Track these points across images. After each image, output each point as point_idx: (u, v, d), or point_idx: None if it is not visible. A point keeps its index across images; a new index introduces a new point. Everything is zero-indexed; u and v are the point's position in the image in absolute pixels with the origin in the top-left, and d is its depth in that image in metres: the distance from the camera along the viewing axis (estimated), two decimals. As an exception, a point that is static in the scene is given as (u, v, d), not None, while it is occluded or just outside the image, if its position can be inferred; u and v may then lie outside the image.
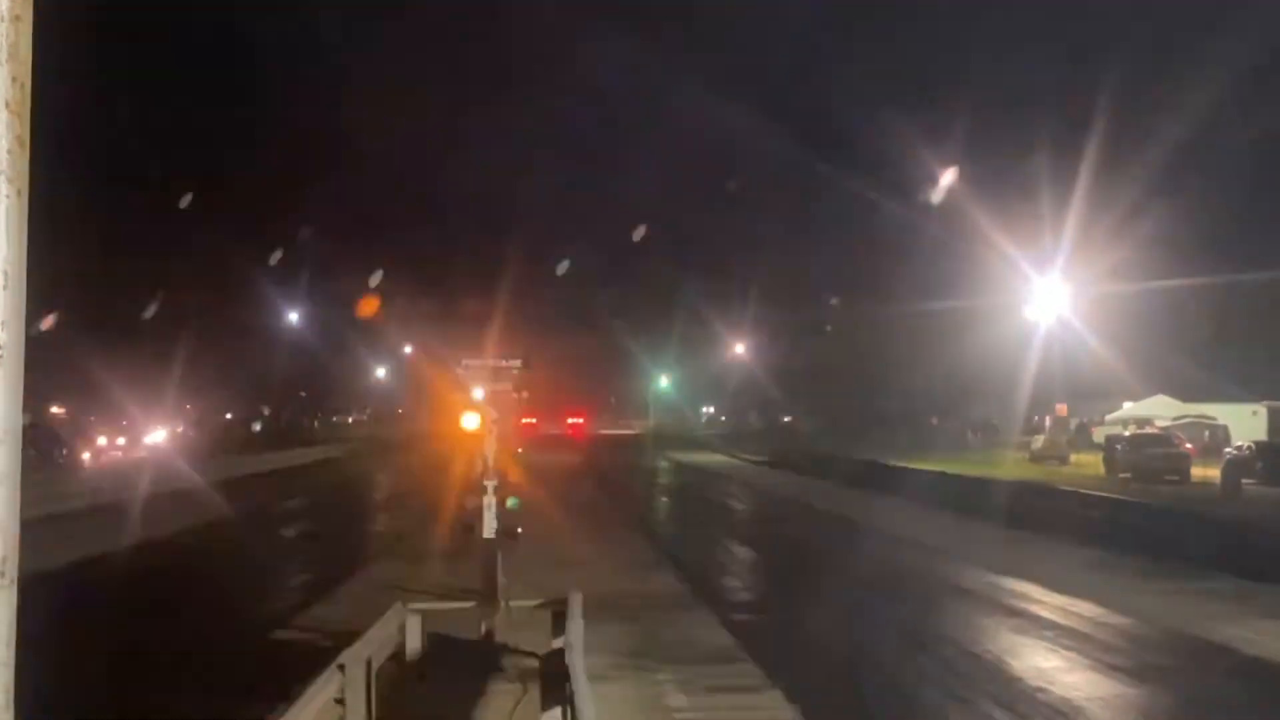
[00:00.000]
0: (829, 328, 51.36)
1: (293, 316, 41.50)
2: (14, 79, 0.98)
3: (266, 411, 47.66)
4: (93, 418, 35.58)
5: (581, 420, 61.13)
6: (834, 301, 50.10)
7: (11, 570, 1.06)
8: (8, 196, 0.99)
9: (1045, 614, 10.89)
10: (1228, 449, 26.38)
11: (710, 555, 15.91)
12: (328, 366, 49.21)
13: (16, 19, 0.98)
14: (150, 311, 30.06)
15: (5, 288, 0.99)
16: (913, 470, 29.53)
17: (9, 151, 0.98)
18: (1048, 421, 36.89)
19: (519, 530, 9.22)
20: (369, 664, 6.20)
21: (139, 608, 10.67)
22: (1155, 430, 30.33)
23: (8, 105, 0.98)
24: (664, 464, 40.48)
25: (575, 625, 7.20)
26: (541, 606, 8.65)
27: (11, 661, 1.06)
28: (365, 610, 8.35)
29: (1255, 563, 12.79)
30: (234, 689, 7.49)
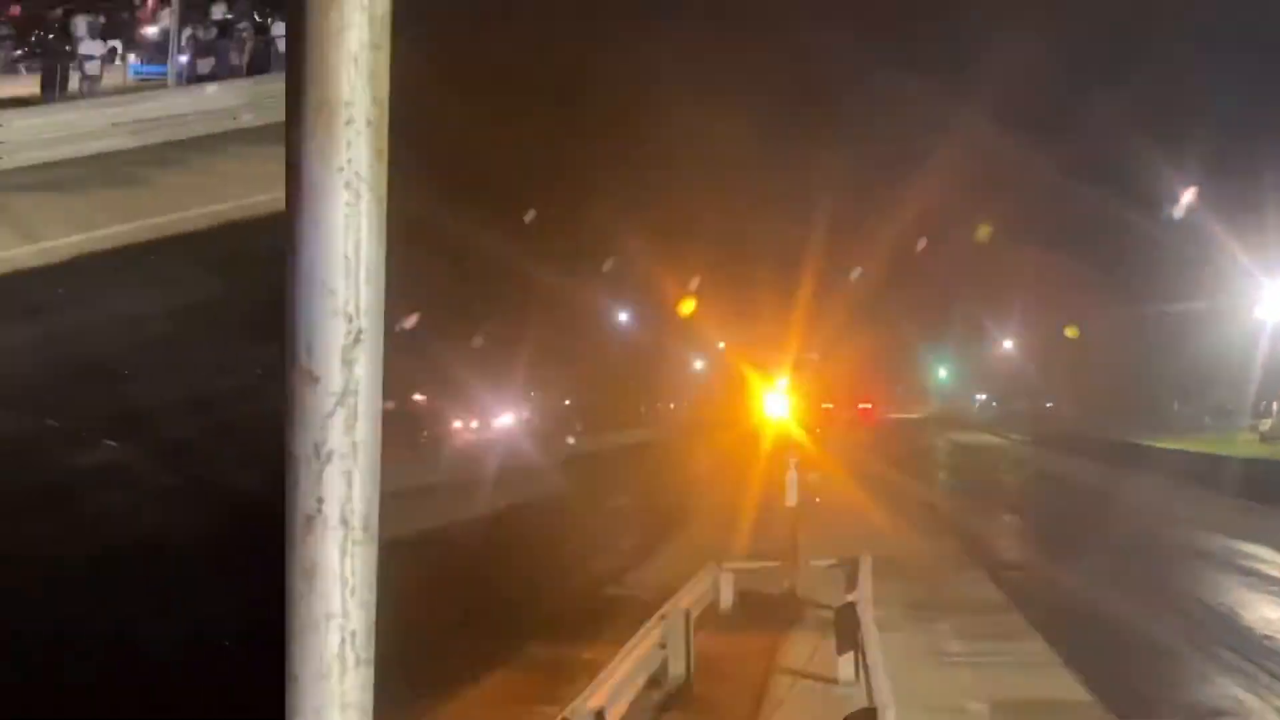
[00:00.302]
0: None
1: (622, 316, 45.33)
2: (374, 98, 1.09)
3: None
4: (450, 403, 38.68)
5: (870, 406, 63.25)
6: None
7: (373, 528, 1.06)
8: (368, 202, 1.08)
9: (1274, 573, 11.32)
10: None
11: (981, 521, 16.84)
12: (652, 359, 52.89)
13: (377, 48, 1.09)
14: (497, 312, 33.50)
15: (367, 282, 1.07)
16: (1157, 449, 30.97)
17: (369, 164, 1.08)
18: (1275, 406, 37.92)
19: (817, 500, 10.20)
20: (687, 614, 6.84)
21: (492, 566, 11.46)
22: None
23: (369, 122, 1.08)
24: (941, 443, 42.23)
25: (865, 581, 7.99)
26: (836, 565, 9.43)
27: (373, 612, 1.07)
28: (684, 569, 9.17)
29: None
30: (572, 635, 8.39)
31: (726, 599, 9.19)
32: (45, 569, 3.83)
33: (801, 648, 8.08)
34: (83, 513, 4.29)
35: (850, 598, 7.62)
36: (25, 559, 3.84)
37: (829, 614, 8.15)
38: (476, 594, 9.76)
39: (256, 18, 21.36)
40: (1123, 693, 7.13)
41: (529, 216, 28.56)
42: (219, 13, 22.43)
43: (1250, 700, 7.15)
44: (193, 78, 18.70)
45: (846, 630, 6.86)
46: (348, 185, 1.07)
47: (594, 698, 5.02)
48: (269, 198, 10.59)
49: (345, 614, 1.04)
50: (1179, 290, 41.18)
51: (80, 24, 22.55)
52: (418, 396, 36.72)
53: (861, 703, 5.25)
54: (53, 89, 17.43)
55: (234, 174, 11.84)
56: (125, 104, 14.33)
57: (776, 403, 10.71)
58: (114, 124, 13.63)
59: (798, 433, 10.23)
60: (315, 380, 1.03)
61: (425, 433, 31.90)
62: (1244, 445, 32.86)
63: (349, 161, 1.07)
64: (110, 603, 3.71)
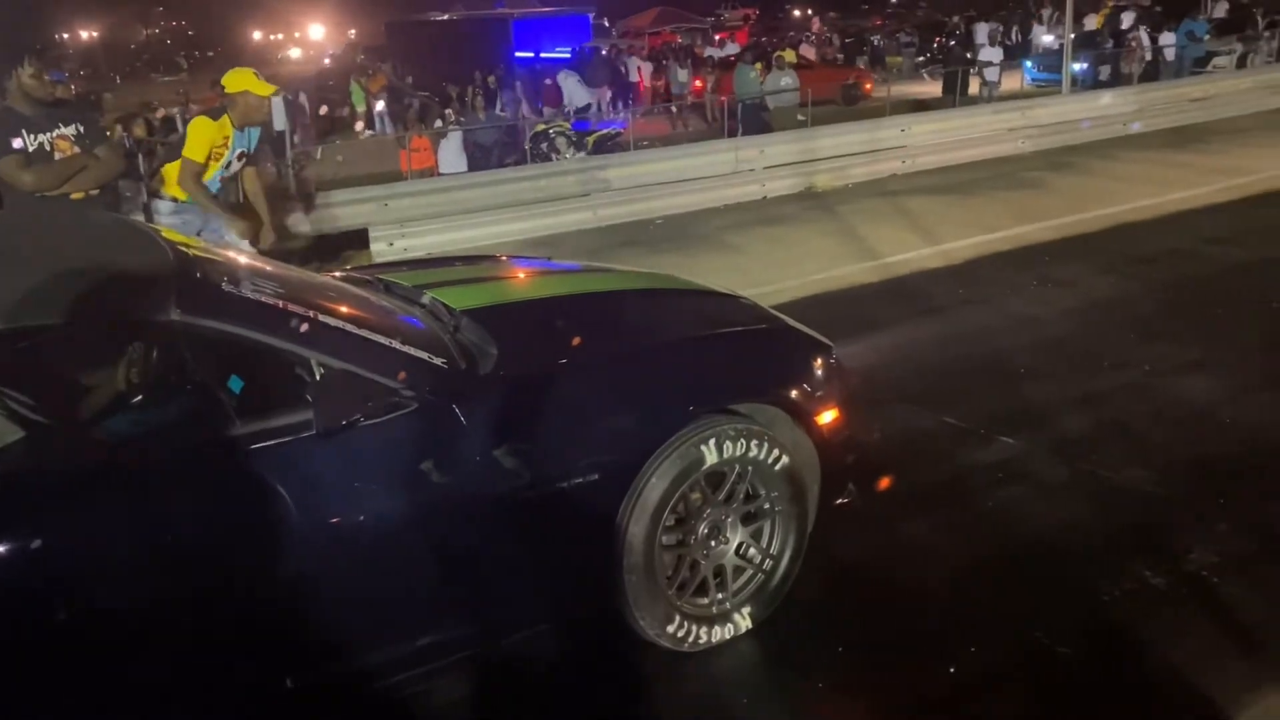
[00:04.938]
0: None
1: None
2: None
3: None
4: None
5: None
6: None
7: None
8: None
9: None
10: None
11: None
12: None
13: None
14: None
15: None
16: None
17: None
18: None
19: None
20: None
21: None
22: None
23: None
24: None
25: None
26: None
27: None
28: None
29: None
30: None
31: None
32: (957, 562, 3.90)
33: None
34: (981, 506, 4.41)
35: None
36: (938, 554, 3.98)
37: None
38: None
39: (1148, 29, 21.19)
40: None
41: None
42: (1127, 21, 22.30)
43: None
44: (1090, 85, 18.82)
45: None
46: None
47: None
48: (1158, 201, 10.24)
49: None
50: None
51: (981, 30, 24.09)
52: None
53: None
54: (953, 94, 18.79)
55: (1126, 178, 11.77)
56: (1022, 109, 14.80)
57: None
58: (1010, 129, 14.19)
59: None
60: None
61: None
62: None
63: None
64: (1007, 593, 3.67)
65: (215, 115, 6.34)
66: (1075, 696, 3.23)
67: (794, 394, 3.57)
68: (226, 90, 6.31)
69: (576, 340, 3.58)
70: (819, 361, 3.71)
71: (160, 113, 19.26)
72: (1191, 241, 8.62)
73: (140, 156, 11.23)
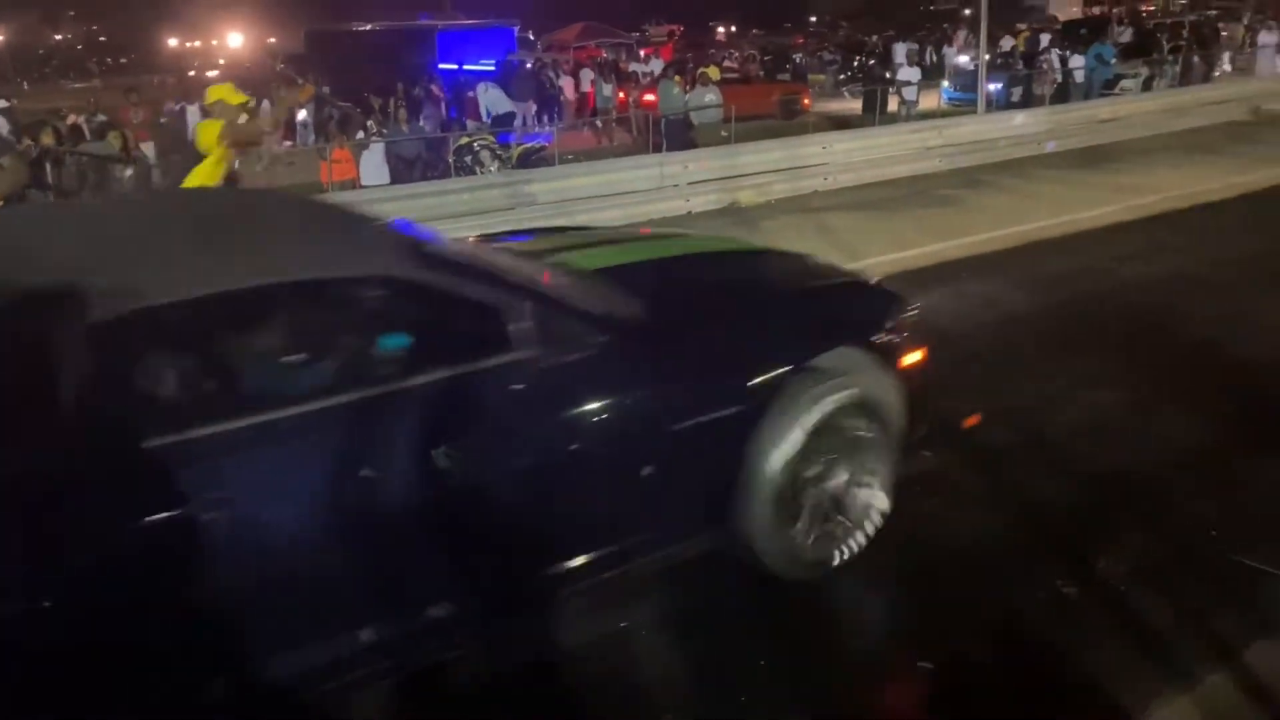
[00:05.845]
0: None
1: None
2: None
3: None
4: None
5: None
6: None
7: None
8: None
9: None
10: None
11: None
12: None
13: None
14: None
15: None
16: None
17: None
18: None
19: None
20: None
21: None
22: None
23: None
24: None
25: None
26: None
27: None
28: None
29: None
30: None
31: None
32: (874, 574, 3.98)
33: None
34: (899, 519, 4.45)
35: None
36: (855, 566, 4.07)
37: None
38: None
39: (1059, 51, 21.87)
40: None
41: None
42: (1008, 44, 22.96)
43: None
44: (1004, 105, 19.30)
45: None
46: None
47: None
48: (1068, 219, 10.51)
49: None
50: None
51: (900, 50, 24.56)
52: None
53: None
54: (873, 112, 19.12)
55: (1039, 196, 12.03)
56: (938, 128, 15.10)
57: None
58: (927, 147, 14.47)
59: None
60: None
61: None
62: None
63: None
64: (923, 604, 3.73)
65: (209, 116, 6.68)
66: (990, 705, 3.28)
67: (890, 338, 4.03)
68: (207, 101, 6.77)
69: (702, 294, 3.96)
70: (904, 308, 4.16)
71: (70, 120, 18.70)
72: (1102, 259, 8.87)
73: (48, 165, 10.90)
